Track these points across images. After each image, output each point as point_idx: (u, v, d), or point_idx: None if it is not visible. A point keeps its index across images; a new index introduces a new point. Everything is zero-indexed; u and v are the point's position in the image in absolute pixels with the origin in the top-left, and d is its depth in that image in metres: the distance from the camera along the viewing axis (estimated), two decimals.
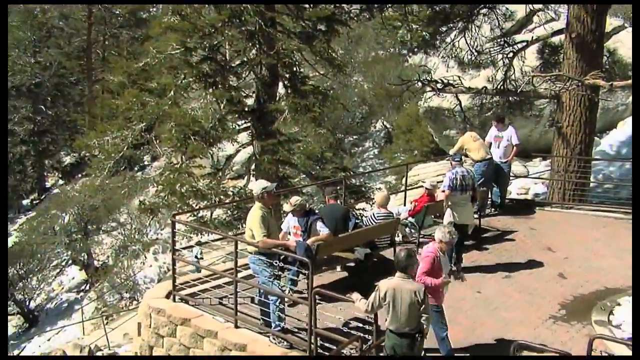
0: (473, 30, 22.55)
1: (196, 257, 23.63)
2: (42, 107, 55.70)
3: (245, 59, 21.94)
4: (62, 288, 38.48)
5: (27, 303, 36.55)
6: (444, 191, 14.16)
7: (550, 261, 14.71)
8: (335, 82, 24.86)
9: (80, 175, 51.45)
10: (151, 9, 39.89)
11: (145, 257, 35.95)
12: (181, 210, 19.31)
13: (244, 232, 11.95)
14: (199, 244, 21.83)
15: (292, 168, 23.14)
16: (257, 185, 11.61)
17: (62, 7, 60.83)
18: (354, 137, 41.88)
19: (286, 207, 12.65)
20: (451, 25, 22.49)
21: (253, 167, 22.91)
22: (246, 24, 20.85)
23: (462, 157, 15.68)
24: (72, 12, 60.38)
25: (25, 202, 54.67)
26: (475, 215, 15.73)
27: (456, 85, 21.77)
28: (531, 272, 14.14)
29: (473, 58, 22.96)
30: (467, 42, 22.64)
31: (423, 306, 8.55)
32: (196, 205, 20.82)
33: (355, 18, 23.71)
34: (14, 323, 36.22)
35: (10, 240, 44.03)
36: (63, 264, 39.35)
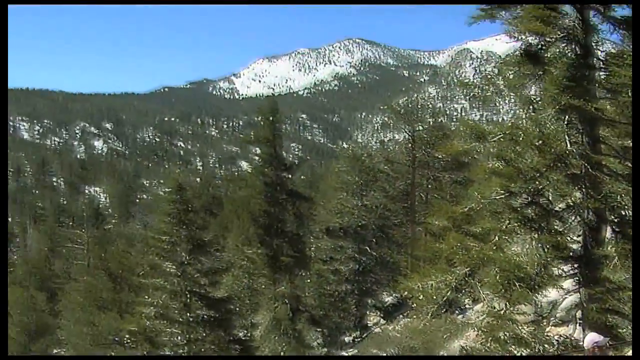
0: None
1: None
2: (366, 247, 58.20)
3: (570, 203, 21.50)
4: None
5: None
6: None
7: None
8: None
9: (400, 316, 52.53)
10: (475, 156, 40.50)
11: None
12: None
13: None
14: None
15: (622, 318, 21.87)
16: (587, 339, 11.63)
17: (387, 152, 64.39)
18: None
19: None
20: None
21: (579, 314, 22.01)
22: (571, 168, 20.53)
23: None
24: (396, 157, 63.65)
25: (347, 339, 56.67)
26: None
27: None
28: None
29: None
30: None
31: None
32: (518, 353, 20.29)
33: None
34: None
35: None
36: None
